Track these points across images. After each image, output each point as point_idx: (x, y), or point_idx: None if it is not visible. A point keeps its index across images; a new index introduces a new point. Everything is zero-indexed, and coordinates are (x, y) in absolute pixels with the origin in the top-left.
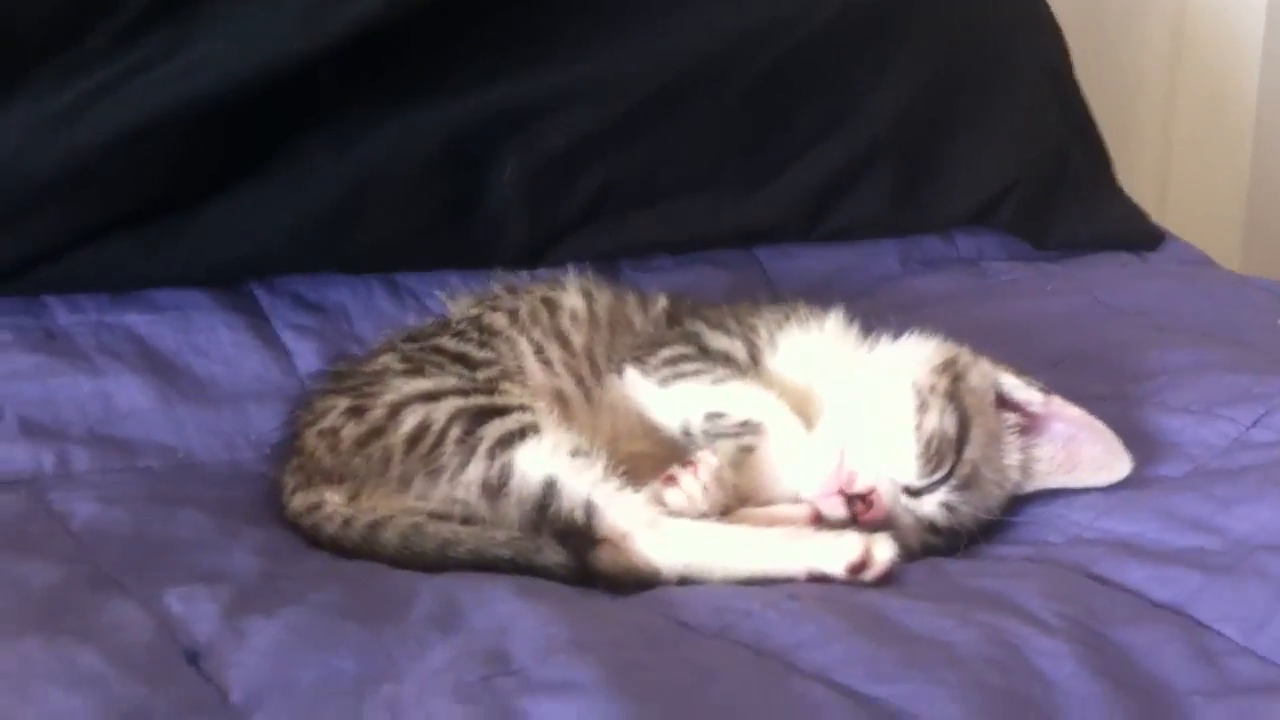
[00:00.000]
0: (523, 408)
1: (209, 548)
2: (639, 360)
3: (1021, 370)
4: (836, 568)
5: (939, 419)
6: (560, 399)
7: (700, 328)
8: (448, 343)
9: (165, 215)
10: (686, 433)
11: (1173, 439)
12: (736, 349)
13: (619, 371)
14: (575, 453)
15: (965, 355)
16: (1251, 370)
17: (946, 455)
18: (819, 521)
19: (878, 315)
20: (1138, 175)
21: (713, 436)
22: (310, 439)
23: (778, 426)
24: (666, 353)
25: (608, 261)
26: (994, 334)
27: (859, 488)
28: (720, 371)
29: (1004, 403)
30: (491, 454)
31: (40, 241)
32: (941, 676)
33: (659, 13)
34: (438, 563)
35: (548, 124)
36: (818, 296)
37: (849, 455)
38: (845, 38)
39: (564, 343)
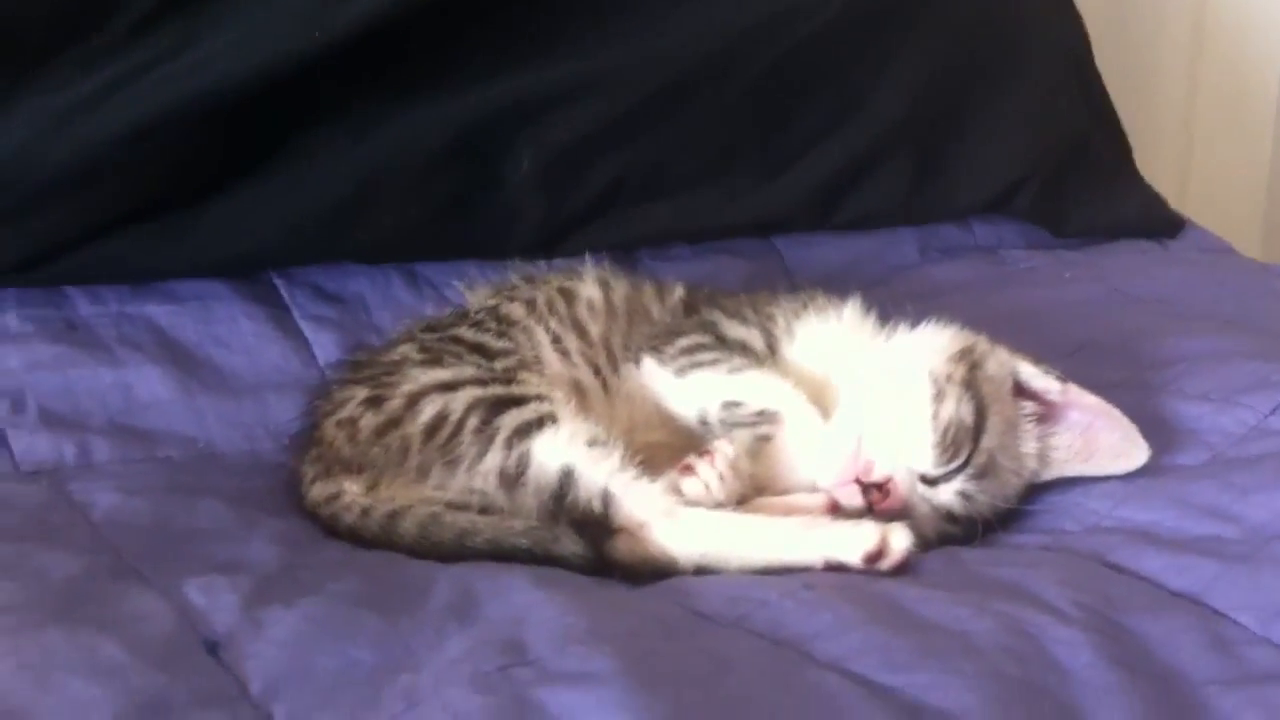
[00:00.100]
0: (540, 397)
1: (228, 538)
2: (656, 350)
3: (1039, 358)
4: (853, 557)
5: (956, 407)
6: (577, 389)
7: (717, 317)
8: (466, 333)
9: (171, 210)
10: (703, 422)
11: (1190, 427)
12: (754, 338)
13: (636, 361)
14: (592, 442)
15: (982, 343)
16: (1271, 358)
17: (963, 444)
18: (835, 510)
19: (895, 304)
20: (1158, 163)
21: (729, 426)
22: (329, 429)
23: (794, 415)
24: (683, 342)
25: (625, 251)
26: (1012, 322)
27: (876, 476)
28: (737, 361)
29: (1021, 391)
30: (509, 444)
31: (50, 236)
32: (958, 666)
33: (670, 2)
34: (455, 552)
35: (558, 117)
36: (835, 285)
37: (866, 444)
38: (859, 24)
39: (581, 332)
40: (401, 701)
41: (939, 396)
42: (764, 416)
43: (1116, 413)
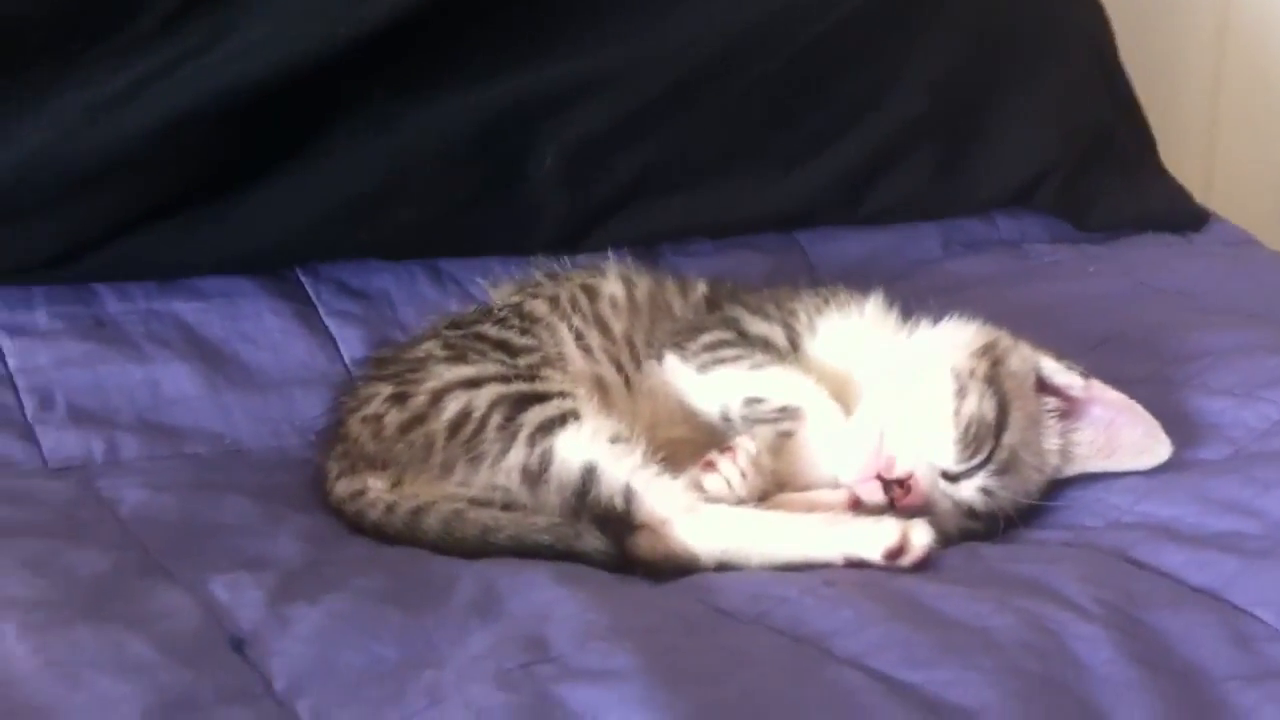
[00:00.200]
0: (563, 394)
1: (254, 534)
2: (678, 346)
3: (1061, 354)
4: (873, 553)
5: (978, 403)
6: (600, 385)
7: (740, 313)
8: (489, 329)
9: (196, 206)
10: (725, 418)
11: (1213, 421)
12: (776, 334)
13: (658, 357)
14: (615, 439)
15: (1005, 339)
16: None
17: (985, 440)
18: (857, 507)
19: (918, 298)
20: (1183, 156)
21: (751, 422)
22: (354, 425)
23: (816, 411)
24: (706, 338)
25: (647, 246)
26: (1035, 316)
27: (897, 473)
28: (759, 357)
29: (1044, 387)
30: (532, 440)
31: (79, 232)
32: (978, 662)
33: None
34: (478, 549)
35: (579, 111)
36: (857, 280)
37: (887, 440)
38: (882, 16)
39: (604, 329)
40: (425, 698)
41: (961, 392)
42: (786, 413)
43: (1139, 409)
